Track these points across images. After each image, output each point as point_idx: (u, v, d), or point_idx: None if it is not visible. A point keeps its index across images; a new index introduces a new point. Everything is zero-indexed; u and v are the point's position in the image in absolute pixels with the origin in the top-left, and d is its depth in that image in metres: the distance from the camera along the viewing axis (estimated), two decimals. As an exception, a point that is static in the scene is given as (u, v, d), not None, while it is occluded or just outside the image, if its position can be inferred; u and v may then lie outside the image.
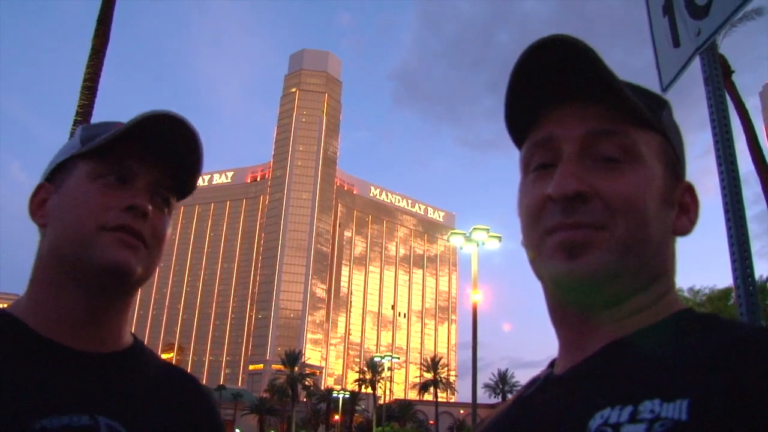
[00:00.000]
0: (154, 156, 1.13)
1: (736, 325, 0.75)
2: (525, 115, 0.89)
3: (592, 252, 0.79)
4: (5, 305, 1.03)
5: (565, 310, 0.86)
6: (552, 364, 0.92)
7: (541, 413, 0.82)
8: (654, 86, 2.80)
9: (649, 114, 0.84)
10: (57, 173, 1.15)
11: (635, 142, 0.83)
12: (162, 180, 1.15)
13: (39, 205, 1.15)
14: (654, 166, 0.84)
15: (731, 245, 2.24)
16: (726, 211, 2.27)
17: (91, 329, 1.09)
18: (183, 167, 1.17)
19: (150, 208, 1.10)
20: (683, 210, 0.88)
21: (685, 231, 0.88)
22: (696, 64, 2.56)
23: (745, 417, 0.61)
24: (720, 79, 2.49)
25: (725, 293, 39.85)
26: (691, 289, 43.40)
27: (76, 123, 12.10)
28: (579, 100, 0.85)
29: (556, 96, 0.86)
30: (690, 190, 0.90)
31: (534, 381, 0.92)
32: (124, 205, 1.08)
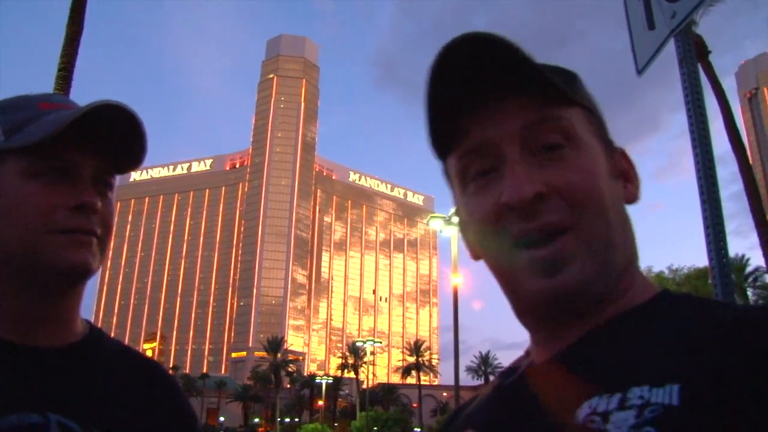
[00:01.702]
0: (96, 145, 1.07)
1: (718, 306, 0.74)
2: (449, 121, 0.84)
3: (569, 265, 0.76)
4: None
5: (540, 314, 0.83)
6: (528, 353, 0.90)
7: (527, 404, 0.80)
8: (629, 68, 2.87)
9: (571, 92, 0.82)
10: None
11: (571, 123, 0.81)
12: (105, 165, 1.10)
13: None
14: (593, 144, 0.82)
15: (706, 226, 2.27)
16: (701, 193, 2.29)
17: (42, 325, 1.06)
18: (126, 152, 1.11)
19: (99, 203, 1.05)
20: (626, 178, 0.87)
21: (634, 198, 0.87)
22: (672, 45, 2.57)
23: (738, 400, 0.61)
24: (694, 61, 2.50)
25: (703, 272, 40.41)
26: (670, 268, 44.04)
27: (51, 113, 11.92)
28: (503, 95, 0.81)
29: (477, 96, 0.81)
30: (624, 155, 0.90)
31: (512, 370, 0.90)
32: (71, 203, 1.03)
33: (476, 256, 0.87)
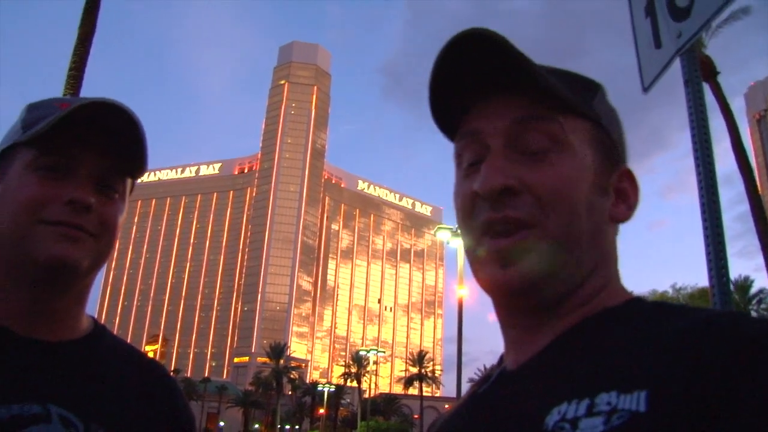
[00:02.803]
0: (97, 143, 1.08)
1: (687, 311, 0.74)
2: (452, 110, 0.89)
3: (525, 259, 0.78)
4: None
5: (507, 311, 0.86)
6: (501, 360, 0.90)
7: (497, 411, 0.81)
8: (638, 85, 2.87)
9: (576, 100, 0.83)
10: (2, 162, 1.10)
11: (561, 128, 0.82)
12: (109, 165, 1.09)
13: None
14: (584, 154, 0.82)
15: (707, 245, 2.27)
16: (702, 212, 2.30)
17: (42, 320, 1.06)
18: (127, 153, 1.11)
19: (92, 200, 1.05)
20: (621, 197, 0.87)
21: (623, 218, 0.86)
22: (678, 65, 2.57)
23: (705, 405, 0.60)
24: (700, 81, 2.48)
25: (706, 292, 40.18)
26: (674, 287, 43.88)
27: (60, 113, 12.00)
28: (504, 92, 0.84)
29: (482, 90, 0.85)
30: (628, 175, 0.88)
31: (486, 377, 0.90)
32: (64, 198, 1.03)
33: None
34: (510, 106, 0.83)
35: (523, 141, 0.81)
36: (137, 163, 1.12)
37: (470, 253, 0.85)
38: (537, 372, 0.79)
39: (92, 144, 1.07)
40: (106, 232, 1.08)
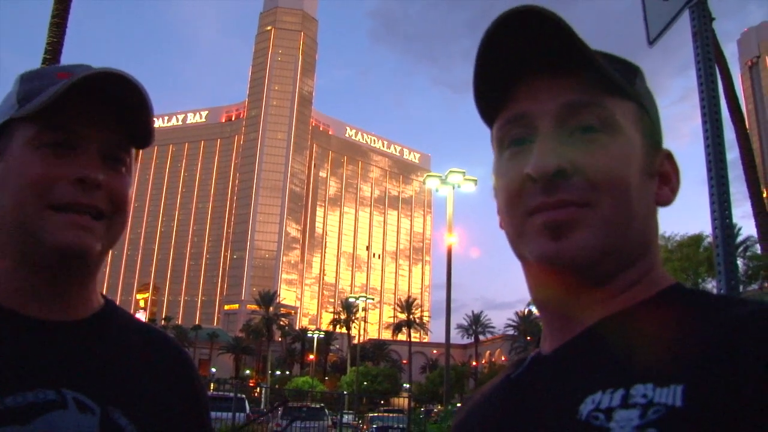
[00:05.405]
0: (102, 115, 1.01)
1: (729, 303, 0.72)
2: (495, 90, 0.85)
3: (578, 232, 0.76)
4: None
5: (548, 290, 0.82)
6: (539, 342, 0.89)
7: (531, 397, 0.80)
8: (636, 32, 2.82)
9: (624, 83, 0.81)
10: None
11: (612, 112, 0.80)
12: (114, 138, 1.03)
13: None
14: (633, 137, 0.81)
15: (711, 202, 2.29)
16: (709, 170, 2.31)
17: (54, 300, 1.01)
18: (132, 123, 1.05)
19: (102, 177, 0.98)
20: (664, 180, 0.85)
21: (668, 201, 0.85)
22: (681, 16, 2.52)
23: (744, 404, 0.59)
24: (709, 35, 2.41)
25: (695, 240, 40.39)
26: (662, 236, 43.99)
27: (44, 62, 11.78)
28: (551, 72, 0.82)
29: (527, 69, 0.82)
30: (669, 158, 0.88)
31: (521, 361, 0.89)
32: (72, 177, 0.96)
33: (501, 224, 0.87)
34: (559, 88, 0.81)
35: (573, 124, 0.80)
36: (144, 133, 1.07)
37: (514, 232, 0.83)
38: (572, 358, 0.78)
39: (97, 116, 1.01)
40: (118, 210, 1.03)
